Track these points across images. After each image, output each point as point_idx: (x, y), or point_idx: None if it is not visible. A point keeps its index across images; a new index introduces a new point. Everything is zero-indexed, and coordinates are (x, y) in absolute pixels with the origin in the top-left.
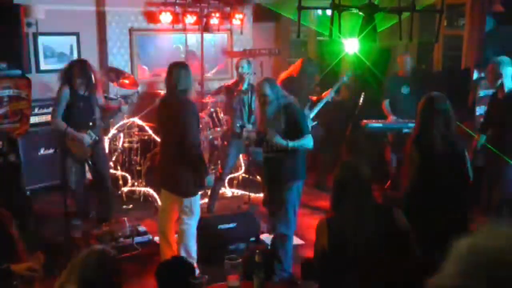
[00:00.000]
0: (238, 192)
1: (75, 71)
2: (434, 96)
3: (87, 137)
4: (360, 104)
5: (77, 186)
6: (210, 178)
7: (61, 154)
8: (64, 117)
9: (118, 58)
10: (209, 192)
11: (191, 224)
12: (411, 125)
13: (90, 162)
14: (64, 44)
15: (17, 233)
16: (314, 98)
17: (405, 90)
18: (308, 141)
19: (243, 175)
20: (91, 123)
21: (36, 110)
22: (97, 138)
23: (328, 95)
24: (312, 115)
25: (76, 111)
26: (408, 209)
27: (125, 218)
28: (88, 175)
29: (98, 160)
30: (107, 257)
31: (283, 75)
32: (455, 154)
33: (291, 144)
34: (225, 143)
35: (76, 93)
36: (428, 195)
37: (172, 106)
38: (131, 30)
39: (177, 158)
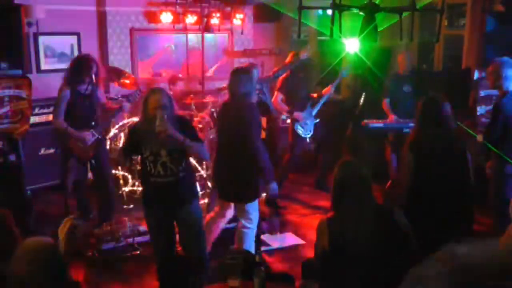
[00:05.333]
0: None
1: (85, 70)
2: (434, 98)
3: (89, 137)
4: (360, 104)
5: (79, 186)
6: (274, 185)
7: (63, 154)
8: (66, 116)
9: (119, 58)
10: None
11: (251, 228)
12: (412, 124)
13: (92, 162)
14: (64, 44)
15: (18, 232)
16: (315, 95)
17: (406, 89)
18: (205, 149)
19: None
20: (93, 123)
21: (36, 110)
22: (99, 137)
23: (329, 91)
24: (314, 112)
25: (78, 110)
26: (408, 209)
27: (126, 218)
28: (89, 175)
29: (100, 160)
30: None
31: (279, 70)
32: (454, 155)
33: (189, 142)
34: None
35: (77, 92)
36: (426, 195)
37: (234, 110)
38: (131, 30)
39: (236, 163)
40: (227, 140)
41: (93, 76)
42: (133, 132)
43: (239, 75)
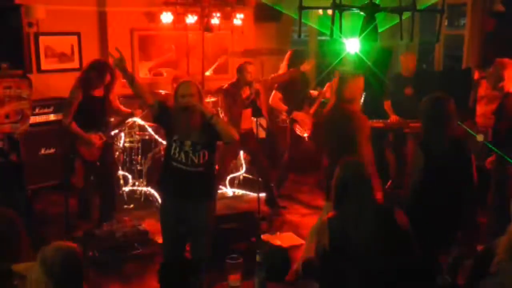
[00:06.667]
0: (239, 191)
1: (100, 76)
2: (442, 97)
3: (96, 140)
4: (361, 104)
5: (84, 187)
6: None
7: (69, 154)
8: (76, 117)
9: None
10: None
11: None
12: (412, 125)
13: (98, 164)
14: (65, 44)
15: (24, 233)
16: (316, 93)
17: (407, 89)
18: (232, 128)
19: (244, 174)
20: (103, 127)
21: (36, 110)
22: (108, 141)
23: (328, 89)
24: (312, 111)
25: (89, 113)
26: (411, 209)
27: (126, 218)
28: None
29: (106, 162)
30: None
31: (281, 73)
32: (461, 156)
33: (216, 117)
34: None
35: (90, 95)
36: (431, 196)
37: (339, 118)
38: (132, 30)
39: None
40: (333, 146)
41: (107, 83)
42: (167, 109)
43: (347, 79)
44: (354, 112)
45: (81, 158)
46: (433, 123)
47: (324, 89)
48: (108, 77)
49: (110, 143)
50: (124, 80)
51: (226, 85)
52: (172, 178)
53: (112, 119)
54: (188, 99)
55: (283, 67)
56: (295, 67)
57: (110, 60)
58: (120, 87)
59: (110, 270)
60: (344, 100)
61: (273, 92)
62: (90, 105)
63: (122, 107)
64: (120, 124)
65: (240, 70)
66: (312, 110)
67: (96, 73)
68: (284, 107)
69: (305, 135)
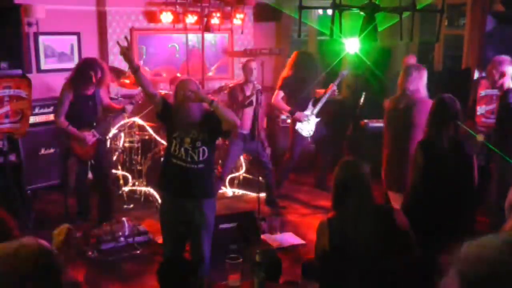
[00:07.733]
0: (239, 191)
1: (90, 74)
2: (446, 99)
3: (90, 137)
4: (361, 103)
5: (80, 186)
6: None
7: (64, 153)
8: (68, 116)
9: (119, 58)
10: None
11: None
12: None
13: (92, 162)
14: (64, 44)
15: (18, 233)
16: (317, 92)
17: None
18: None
19: (244, 174)
20: (95, 123)
21: (36, 110)
22: (101, 137)
23: (330, 90)
24: (315, 111)
25: (80, 110)
26: (411, 209)
27: (126, 218)
28: (89, 175)
29: (100, 160)
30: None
31: (285, 73)
32: (462, 158)
33: (216, 102)
34: (226, 142)
35: (80, 93)
36: (432, 196)
37: (407, 108)
38: (131, 30)
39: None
40: (401, 141)
41: (98, 79)
42: (169, 106)
43: (411, 71)
44: (423, 99)
45: (75, 156)
46: (436, 124)
47: (329, 87)
48: (98, 75)
49: (103, 140)
50: (118, 83)
51: (231, 84)
52: (172, 175)
53: (110, 118)
54: (188, 90)
55: (287, 68)
56: (299, 69)
57: (121, 50)
58: (119, 87)
59: (110, 270)
60: (409, 90)
61: (276, 91)
62: (82, 103)
63: (113, 104)
64: (112, 120)
65: (244, 68)
66: (316, 110)
67: (86, 71)
68: (287, 108)
69: (308, 135)
